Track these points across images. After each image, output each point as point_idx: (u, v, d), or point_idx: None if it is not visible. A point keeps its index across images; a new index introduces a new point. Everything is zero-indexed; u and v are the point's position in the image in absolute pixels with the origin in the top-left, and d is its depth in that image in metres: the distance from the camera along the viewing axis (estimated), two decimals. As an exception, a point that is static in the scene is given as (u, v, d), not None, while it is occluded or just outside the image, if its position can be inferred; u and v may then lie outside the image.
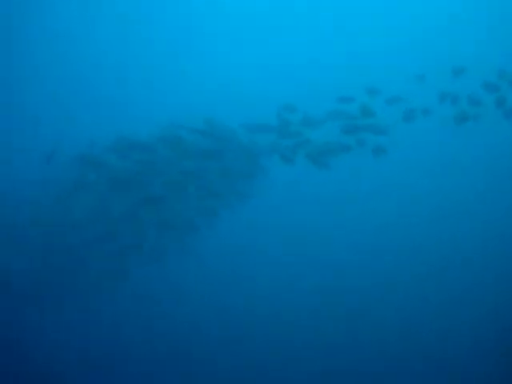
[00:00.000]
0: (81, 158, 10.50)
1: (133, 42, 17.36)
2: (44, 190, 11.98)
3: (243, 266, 13.90)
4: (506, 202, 13.90)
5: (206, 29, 17.21)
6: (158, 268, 12.62)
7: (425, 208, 14.30)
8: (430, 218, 14.23)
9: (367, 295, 13.67)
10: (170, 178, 10.34)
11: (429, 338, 13.17)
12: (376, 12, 16.41)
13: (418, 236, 14.14)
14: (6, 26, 17.51)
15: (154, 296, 13.51)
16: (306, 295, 13.74)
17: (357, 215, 14.21)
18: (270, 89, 15.77)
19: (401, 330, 13.28)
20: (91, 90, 16.87)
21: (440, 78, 10.27)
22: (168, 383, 12.84)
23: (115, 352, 13.12)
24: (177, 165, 10.34)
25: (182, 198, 10.72)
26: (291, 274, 13.96)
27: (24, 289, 12.41)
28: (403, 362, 12.92)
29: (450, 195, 14.21)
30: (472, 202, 14.10)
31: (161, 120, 12.49)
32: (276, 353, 13.18)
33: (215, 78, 16.43)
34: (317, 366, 13.03)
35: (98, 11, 17.77)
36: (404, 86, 10.39)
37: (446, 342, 13.05)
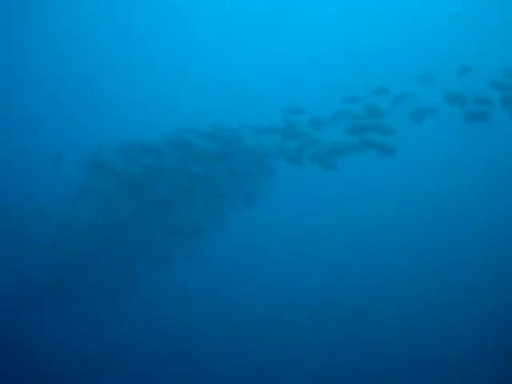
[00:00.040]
0: (88, 163, 10.49)
1: (141, 46, 17.37)
2: (51, 195, 12.01)
3: (250, 267, 13.92)
4: (510, 202, 13.88)
5: (212, 32, 17.21)
6: (165, 271, 12.63)
7: (429, 208, 14.29)
8: (435, 217, 14.23)
9: (370, 294, 13.68)
10: (177, 181, 10.34)
11: (429, 338, 13.17)
12: (381, 12, 16.40)
13: (422, 236, 14.14)
14: (6, 26, 17.52)
15: (160, 299, 13.54)
16: (313, 296, 13.75)
17: (363, 215, 14.21)
18: (276, 90, 15.77)
19: (401, 330, 13.28)
20: (98, 94, 16.89)
21: (446, 77, 10.24)
22: None
23: (121, 353, 13.14)
24: (184, 168, 10.34)
25: (189, 202, 10.72)
26: (297, 275, 13.97)
27: (31, 291, 12.43)
28: (403, 362, 12.93)
29: (455, 195, 14.20)
30: (476, 202, 14.08)
31: (168, 124, 12.49)
32: (287, 353, 13.19)
33: (221, 81, 16.44)
34: (319, 365, 13.04)
35: (104, 14, 17.79)
36: (410, 86, 10.37)
37: (445, 342, 13.05)
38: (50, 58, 17.68)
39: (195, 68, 16.87)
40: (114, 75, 17.23)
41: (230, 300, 13.80)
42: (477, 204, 14.11)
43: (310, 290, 13.88)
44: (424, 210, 14.30)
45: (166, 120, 15.48)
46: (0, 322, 13.04)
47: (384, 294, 13.66)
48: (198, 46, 17.07)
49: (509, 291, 13.16)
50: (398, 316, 13.42)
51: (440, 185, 14.31)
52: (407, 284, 13.67)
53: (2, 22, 17.43)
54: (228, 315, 13.67)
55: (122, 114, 16.30)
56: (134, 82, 17.04)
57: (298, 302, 13.80)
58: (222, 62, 16.77)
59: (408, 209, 14.32)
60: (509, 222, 13.85)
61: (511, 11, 15.57)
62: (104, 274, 11.99)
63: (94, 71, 17.36)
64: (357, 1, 16.54)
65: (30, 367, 12.61)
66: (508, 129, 13.79)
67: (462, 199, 14.17)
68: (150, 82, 16.94)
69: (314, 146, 10.25)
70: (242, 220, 11.80)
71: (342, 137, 10.21)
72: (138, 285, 12.33)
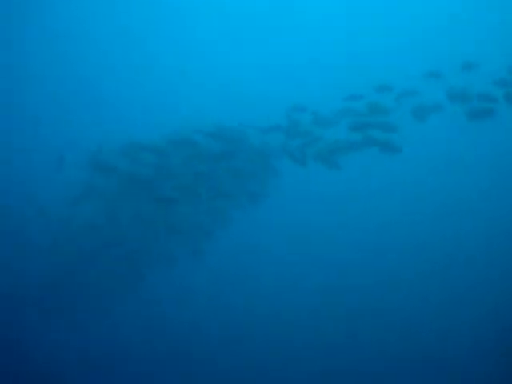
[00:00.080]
0: (90, 163, 10.45)
1: (142, 46, 17.36)
2: (52, 195, 11.99)
3: (253, 267, 13.92)
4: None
5: (214, 32, 17.21)
6: (169, 271, 12.62)
7: (433, 206, 14.29)
8: (438, 215, 14.22)
9: (373, 293, 13.69)
10: (180, 181, 10.32)
11: (429, 338, 13.19)
12: (383, 11, 16.41)
13: (425, 234, 14.14)
14: (6, 26, 17.50)
15: (162, 299, 13.54)
16: (317, 294, 13.74)
17: (367, 214, 14.22)
18: (279, 89, 15.77)
19: (403, 329, 13.30)
20: (98, 94, 16.88)
21: (449, 75, 10.23)
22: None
23: (121, 353, 13.14)
24: (187, 168, 10.32)
25: (193, 202, 10.70)
26: (301, 274, 13.97)
27: (32, 291, 12.42)
28: (403, 361, 12.94)
29: (458, 193, 14.19)
30: (480, 200, 14.07)
31: (169, 123, 12.47)
32: (291, 352, 13.18)
33: (223, 80, 16.44)
34: (324, 364, 13.05)
35: (104, 14, 17.77)
36: (413, 83, 10.37)
37: (446, 341, 13.07)
38: (50, 58, 17.66)
39: (196, 68, 16.87)
40: (115, 75, 17.22)
41: (233, 299, 13.81)
42: (480, 202, 14.11)
43: (313, 288, 13.89)
44: (428, 208, 14.30)
45: (167, 119, 15.49)
46: (1, 322, 13.02)
47: (387, 292, 13.67)
48: (200, 46, 17.07)
49: (510, 291, 13.18)
50: (400, 314, 13.44)
51: (444, 182, 14.32)
52: (410, 282, 13.68)
53: (2, 22, 17.41)
54: (231, 315, 13.68)
55: (123, 113, 16.30)
56: (134, 81, 17.04)
57: (302, 300, 13.81)
58: (224, 61, 16.77)
59: (412, 207, 14.32)
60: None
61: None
62: (106, 274, 11.98)
63: (94, 71, 17.35)
64: (359, 0, 16.55)
65: (34, 367, 12.61)
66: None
67: (466, 197, 14.17)
68: (151, 81, 16.94)
69: (317, 145, 10.23)
70: (245, 219, 11.79)
71: (345, 135, 10.20)
72: (140, 285, 12.33)
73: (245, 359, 13.17)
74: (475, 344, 12.90)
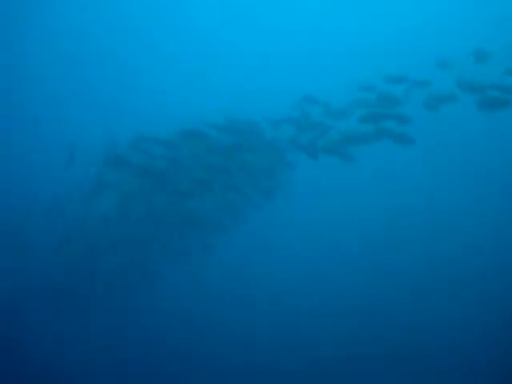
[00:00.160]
0: (103, 158, 10.39)
1: (153, 38, 17.31)
2: (66, 191, 11.93)
3: (265, 261, 13.93)
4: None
5: (225, 24, 17.20)
6: (183, 266, 12.59)
7: (448, 199, 14.35)
8: (451, 208, 14.29)
9: (385, 287, 13.74)
10: (193, 174, 10.28)
11: (438, 330, 13.28)
12: (396, 1, 16.42)
13: (438, 225, 14.21)
14: (6, 26, 17.44)
15: (177, 294, 13.51)
16: (330, 290, 13.76)
17: (379, 209, 14.28)
18: (290, 81, 15.81)
19: (416, 321, 13.38)
20: (109, 89, 16.84)
21: (462, 65, 10.33)
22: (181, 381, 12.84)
23: (133, 349, 13.11)
24: (200, 161, 10.29)
25: (207, 195, 10.66)
26: (313, 269, 13.99)
27: (43, 291, 12.34)
28: (410, 351, 13.02)
29: (473, 189, 14.24)
30: (495, 194, 14.13)
31: (180, 117, 12.45)
32: (306, 348, 13.19)
33: (233, 73, 16.43)
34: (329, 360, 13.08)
35: (107, 9, 17.77)
36: (427, 74, 10.47)
37: (454, 331, 13.18)
38: (50, 58, 17.63)
39: (207, 61, 16.88)
40: (124, 71, 17.21)
41: (247, 295, 13.82)
42: (495, 195, 14.16)
43: (326, 284, 13.91)
44: (443, 200, 14.36)
45: (178, 113, 15.48)
46: (11, 321, 12.95)
47: (398, 284, 13.75)
48: (211, 39, 17.09)
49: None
50: (417, 306, 13.49)
51: (458, 175, 14.36)
52: (426, 274, 13.74)
53: (2, 22, 17.35)
54: (244, 311, 13.69)
55: (133, 108, 16.29)
56: (143, 76, 17.04)
57: (315, 296, 13.84)
58: (235, 53, 16.80)
59: (426, 200, 14.37)
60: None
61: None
62: (118, 270, 11.93)
63: (101, 68, 17.34)
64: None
65: (40, 366, 12.53)
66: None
67: (481, 194, 14.22)
68: (161, 76, 16.94)
69: (328, 137, 10.24)
70: (257, 213, 11.79)
71: (357, 126, 10.23)
72: (153, 280, 12.29)
73: (256, 355, 13.19)
74: (483, 333, 13.02)
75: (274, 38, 16.95)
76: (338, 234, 14.29)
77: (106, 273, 12.02)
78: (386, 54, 15.62)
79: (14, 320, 13.02)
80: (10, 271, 13.02)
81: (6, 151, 16.68)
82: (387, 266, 13.97)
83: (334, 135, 10.63)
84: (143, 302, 13.07)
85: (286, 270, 14.12)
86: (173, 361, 13.18)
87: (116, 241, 11.57)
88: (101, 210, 11.45)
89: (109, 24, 17.78)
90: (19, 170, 16.41)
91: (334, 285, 13.97)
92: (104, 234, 11.51)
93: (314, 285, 14.02)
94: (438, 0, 16.47)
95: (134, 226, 11.39)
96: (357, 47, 16.20)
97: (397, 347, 13.02)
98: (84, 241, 11.69)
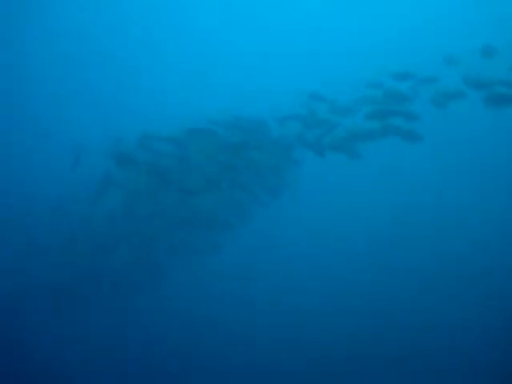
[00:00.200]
0: (110, 156, 10.37)
1: (159, 37, 17.29)
2: (71, 191, 11.92)
3: (272, 259, 13.92)
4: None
5: (231, 22, 17.19)
6: (190, 264, 12.58)
7: (455, 196, 14.35)
8: (458, 205, 14.30)
9: (391, 285, 13.76)
10: (201, 172, 10.28)
11: (438, 330, 13.31)
12: None
13: (446, 223, 14.22)
14: (6, 26, 17.40)
15: (183, 292, 13.49)
16: (335, 288, 13.75)
17: (386, 205, 14.29)
18: (296, 78, 15.83)
19: (412, 318, 13.40)
20: (110, 89, 16.82)
21: (469, 62, 10.35)
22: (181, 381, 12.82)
23: (137, 348, 13.08)
24: (207, 158, 10.29)
25: (214, 193, 10.67)
26: (319, 266, 13.98)
27: (45, 290, 12.31)
28: (414, 350, 13.04)
29: (480, 186, 14.25)
30: (504, 191, 14.14)
31: (184, 115, 12.46)
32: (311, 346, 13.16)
33: (239, 71, 16.41)
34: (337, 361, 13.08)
35: (107, 9, 17.75)
36: (433, 70, 10.49)
37: (455, 330, 13.21)
38: (50, 57, 17.60)
39: (213, 59, 16.88)
40: (124, 70, 17.20)
41: (251, 294, 13.82)
42: (503, 192, 14.16)
43: (333, 281, 13.91)
44: (450, 197, 14.37)
45: (178, 112, 15.49)
46: (12, 321, 12.90)
47: (404, 282, 13.77)
48: (216, 37, 17.09)
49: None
50: (424, 304, 13.50)
51: (466, 172, 14.37)
52: (429, 271, 13.76)
53: (2, 22, 17.31)
54: (247, 310, 13.68)
55: (140, 106, 16.28)
56: (144, 76, 17.03)
57: (321, 293, 13.84)
58: (241, 51, 16.81)
59: (434, 197, 14.38)
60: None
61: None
62: (125, 268, 11.91)
63: (103, 67, 17.33)
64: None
65: (40, 366, 12.49)
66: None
67: (488, 190, 14.23)
68: (161, 76, 16.95)
69: (335, 134, 10.25)
70: (264, 211, 11.79)
71: (364, 123, 10.24)
72: (159, 278, 12.29)
73: (256, 354, 13.18)
74: (483, 333, 13.06)
75: (274, 37, 16.99)
76: (344, 232, 14.31)
77: (111, 272, 11.99)
78: (393, 51, 15.67)
79: (14, 320, 12.97)
80: (12, 271, 12.98)
81: (7, 151, 16.62)
82: (393, 263, 13.98)
83: (341, 132, 10.65)
84: (144, 302, 13.06)
85: (291, 268, 14.12)
86: (173, 361, 13.15)
87: (122, 239, 11.54)
88: (107, 208, 11.43)
89: (109, 24, 17.76)
90: (22, 170, 16.37)
91: (340, 282, 13.98)
92: (110, 232, 11.49)
93: (320, 283, 14.03)
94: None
95: (140, 224, 11.37)
96: (364, 45, 16.23)
97: (397, 347, 13.04)
98: (90, 240, 11.66)
